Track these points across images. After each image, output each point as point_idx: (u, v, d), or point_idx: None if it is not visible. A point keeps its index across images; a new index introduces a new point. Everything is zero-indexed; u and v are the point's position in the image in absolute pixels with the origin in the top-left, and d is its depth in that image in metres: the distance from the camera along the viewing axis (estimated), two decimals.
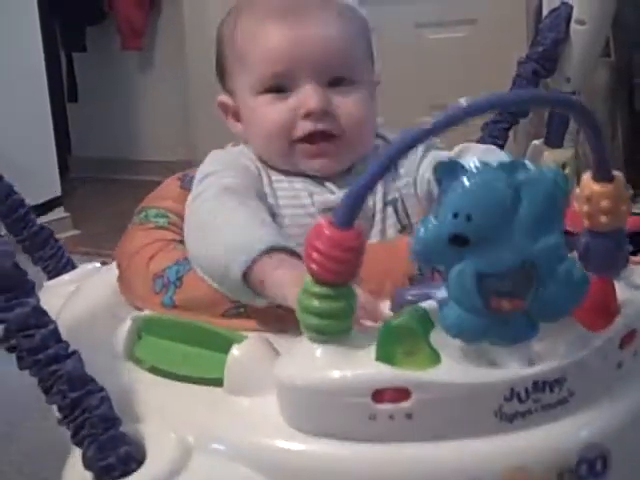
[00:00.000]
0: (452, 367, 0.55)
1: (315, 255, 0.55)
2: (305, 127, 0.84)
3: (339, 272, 0.55)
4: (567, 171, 1.59)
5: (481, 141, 1.20)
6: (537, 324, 0.56)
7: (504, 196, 0.53)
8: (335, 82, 0.85)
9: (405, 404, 0.55)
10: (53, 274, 1.07)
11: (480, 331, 0.55)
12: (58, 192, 2.91)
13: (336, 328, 0.57)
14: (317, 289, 0.55)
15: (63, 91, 3.76)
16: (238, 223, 0.74)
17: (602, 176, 0.61)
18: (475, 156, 0.86)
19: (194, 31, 3.39)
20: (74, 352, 0.61)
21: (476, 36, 2.88)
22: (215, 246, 0.73)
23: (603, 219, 0.62)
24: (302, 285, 0.61)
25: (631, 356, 0.62)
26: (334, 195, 0.85)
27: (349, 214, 0.54)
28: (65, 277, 1.04)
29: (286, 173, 0.86)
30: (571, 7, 1.14)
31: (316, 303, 0.55)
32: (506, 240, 0.53)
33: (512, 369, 0.55)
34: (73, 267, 1.08)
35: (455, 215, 0.52)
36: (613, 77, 1.99)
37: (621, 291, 0.63)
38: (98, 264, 1.04)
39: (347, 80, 0.85)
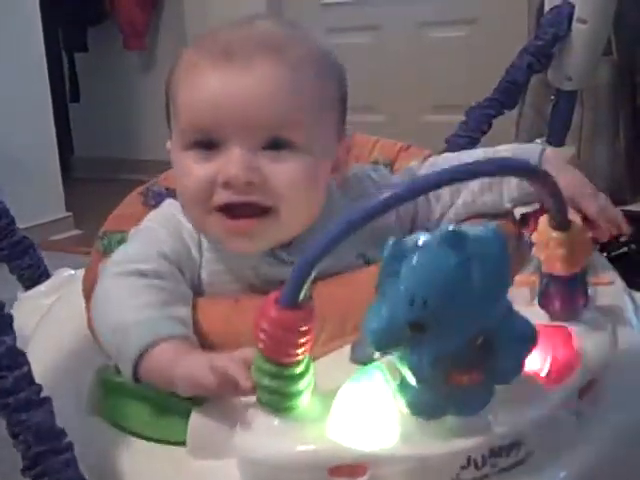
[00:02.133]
0: (408, 440, 0.55)
1: (262, 334, 0.54)
2: (223, 197, 0.70)
3: (286, 353, 0.55)
4: None
5: (464, 125, 1.18)
6: (493, 388, 0.55)
7: (457, 274, 0.52)
8: (272, 145, 0.70)
9: (362, 479, 0.54)
10: (29, 283, 1.05)
11: (439, 407, 0.55)
12: (60, 192, 2.91)
13: (288, 405, 0.57)
14: (267, 367, 0.56)
15: (65, 91, 3.76)
16: (130, 309, 0.67)
17: (560, 225, 0.61)
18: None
19: (196, 31, 3.39)
20: (46, 399, 0.60)
21: (477, 35, 2.87)
22: (108, 328, 0.68)
23: (561, 265, 0.62)
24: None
25: (590, 405, 0.61)
26: (280, 267, 0.74)
27: (294, 293, 0.53)
28: (40, 288, 1.03)
29: None
30: (573, 6, 1.14)
31: (266, 381, 0.56)
32: (462, 315, 0.52)
33: (469, 438, 0.55)
34: (48, 276, 1.06)
35: (411, 302, 0.51)
36: (615, 75, 1.99)
37: (580, 337, 0.62)
38: (72, 271, 1.02)
39: (287, 143, 0.70)
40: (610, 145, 2.01)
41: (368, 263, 0.76)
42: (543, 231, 0.63)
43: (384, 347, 0.53)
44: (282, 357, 0.55)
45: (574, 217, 0.64)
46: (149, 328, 0.64)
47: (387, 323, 0.51)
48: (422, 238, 0.52)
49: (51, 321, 0.90)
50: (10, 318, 0.60)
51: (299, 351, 0.55)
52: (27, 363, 0.60)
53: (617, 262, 0.84)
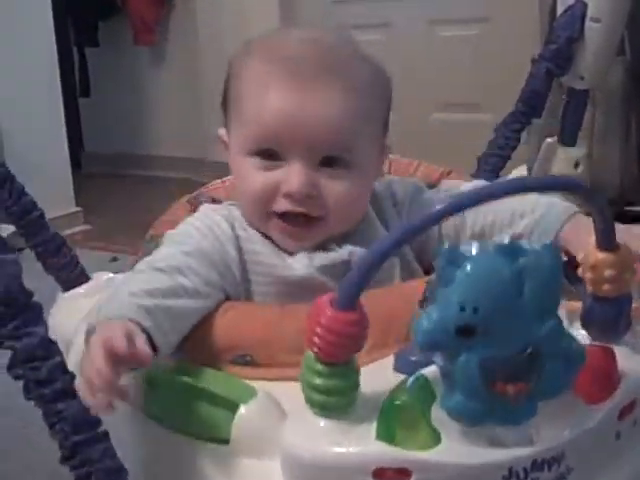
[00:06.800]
0: (452, 447, 0.55)
1: (316, 336, 0.55)
2: (283, 205, 0.79)
3: (340, 353, 0.56)
4: (580, 170, 1.58)
5: (494, 143, 1.19)
6: (537, 403, 0.55)
7: (509, 285, 0.52)
8: (328, 162, 0.79)
9: None
10: (67, 285, 1.05)
11: (482, 415, 0.55)
12: (70, 187, 2.92)
13: (338, 404, 0.57)
14: (319, 367, 0.56)
15: (75, 86, 3.77)
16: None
17: (607, 245, 0.61)
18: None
19: (206, 26, 3.39)
20: None
21: (489, 34, 2.87)
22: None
23: (607, 287, 0.62)
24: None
25: (630, 426, 0.62)
26: (335, 252, 0.81)
27: (351, 297, 0.54)
28: (80, 290, 1.04)
29: None
30: (586, 5, 1.14)
31: (318, 381, 0.56)
32: (512, 327, 0.53)
33: (512, 449, 0.55)
34: (87, 278, 1.06)
35: (462, 308, 0.52)
36: (628, 76, 1.97)
37: (622, 358, 0.62)
38: (111, 274, 1.04)
39: (342, 161, 0.79)
40: (622, 145, 1.99)
41: (412, 273, 0.83)
42: (590, 252, 0.62)
43: (431, 347, 0.54)
44: (335, 357, 0.56)
45: (623, 239, 0.63)
46: (117, 307, 0.69)
47: (436, 325, 0.52)
48: (476, 247, 0.53)
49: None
50: (40, 308, 0.60)
51: (351, 351, 0.56)
52: (59, 353, 0.61)
53: None
